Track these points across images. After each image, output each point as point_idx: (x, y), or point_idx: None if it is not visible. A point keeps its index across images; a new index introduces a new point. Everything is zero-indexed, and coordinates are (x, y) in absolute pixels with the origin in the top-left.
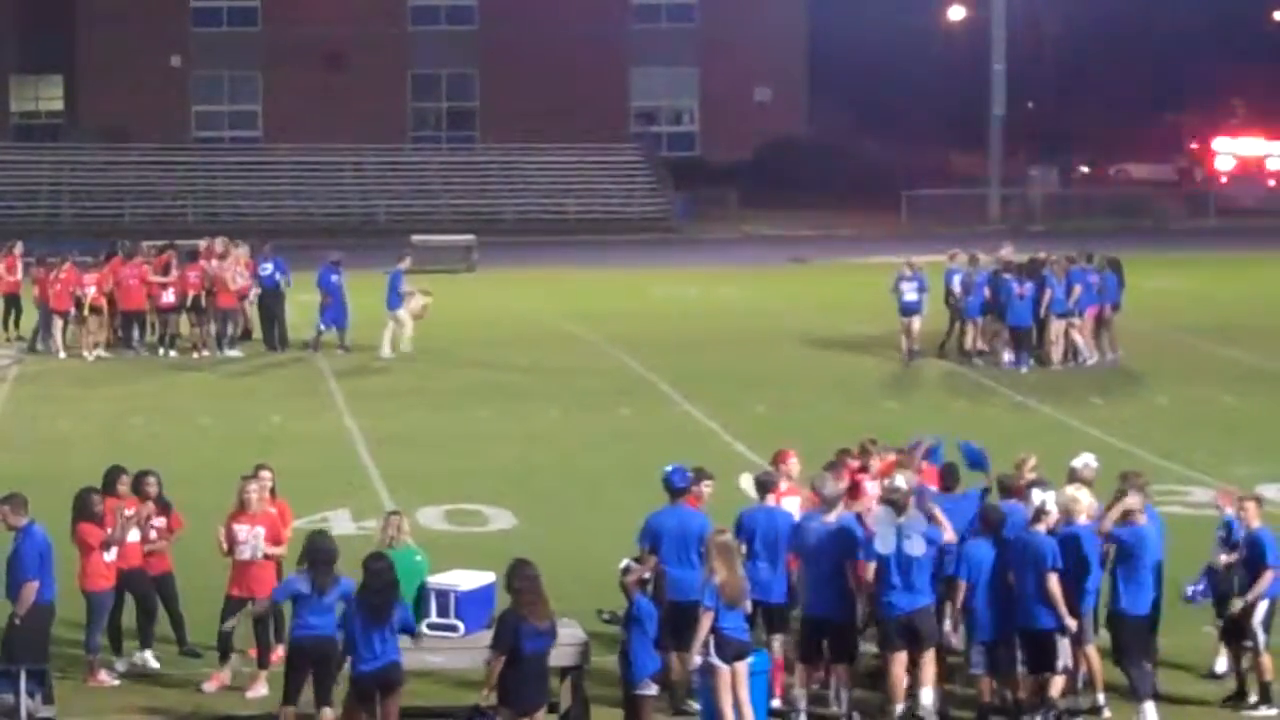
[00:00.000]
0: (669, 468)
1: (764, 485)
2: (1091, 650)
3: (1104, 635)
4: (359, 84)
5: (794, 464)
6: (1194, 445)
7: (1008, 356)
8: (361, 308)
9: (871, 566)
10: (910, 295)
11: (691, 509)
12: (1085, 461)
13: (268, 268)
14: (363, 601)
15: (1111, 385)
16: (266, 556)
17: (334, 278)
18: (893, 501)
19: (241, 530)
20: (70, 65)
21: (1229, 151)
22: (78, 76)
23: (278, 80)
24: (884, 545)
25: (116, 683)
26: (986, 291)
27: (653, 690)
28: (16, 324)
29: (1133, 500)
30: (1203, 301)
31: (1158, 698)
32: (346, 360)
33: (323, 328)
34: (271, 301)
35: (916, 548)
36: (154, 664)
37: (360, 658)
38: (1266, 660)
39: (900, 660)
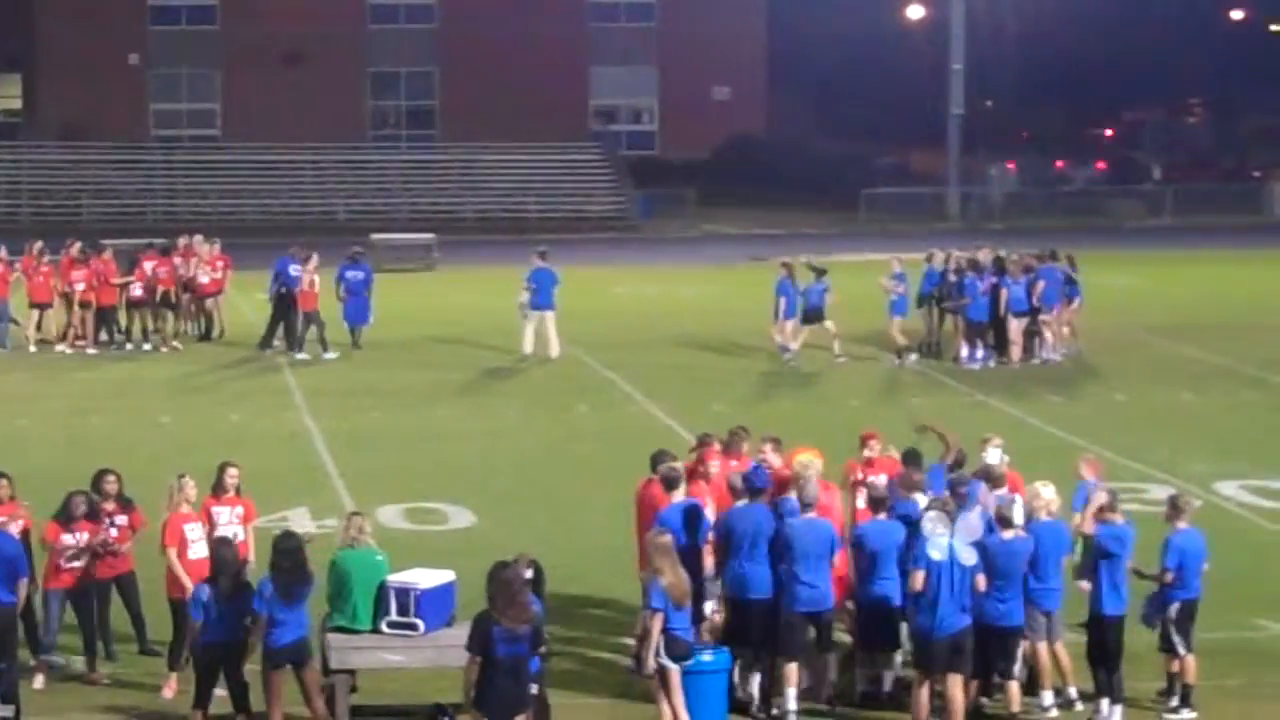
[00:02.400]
0: (750, 468)
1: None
2: (1043, 648)
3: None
4: (318, 82)
5: (714, 465)
6: (1152, 442)
7: (965, 352)
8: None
9: (920, 574)
10: (812, 299)
11: (767, 509)
12: (998, 457)
13: (295, 269)
14: (275, 580)
15: (1070, 383)
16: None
17: (349, 273)
18: (945, 509)
19: (194, 528)
20: (29, 63)
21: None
22: (36, 75)
23: (236, 78)
24: (939, 550)
25: (40, 686)
26: (903, 289)
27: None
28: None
29: (1102, 497)
30: (1160, 299)
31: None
32: (305, 359)
33: (345, 325)
34: (286, 301)
35: (969, 557)
36: (58, 660)
37: (273, 633)
38: (1190, 661)
39: (958, 683)
